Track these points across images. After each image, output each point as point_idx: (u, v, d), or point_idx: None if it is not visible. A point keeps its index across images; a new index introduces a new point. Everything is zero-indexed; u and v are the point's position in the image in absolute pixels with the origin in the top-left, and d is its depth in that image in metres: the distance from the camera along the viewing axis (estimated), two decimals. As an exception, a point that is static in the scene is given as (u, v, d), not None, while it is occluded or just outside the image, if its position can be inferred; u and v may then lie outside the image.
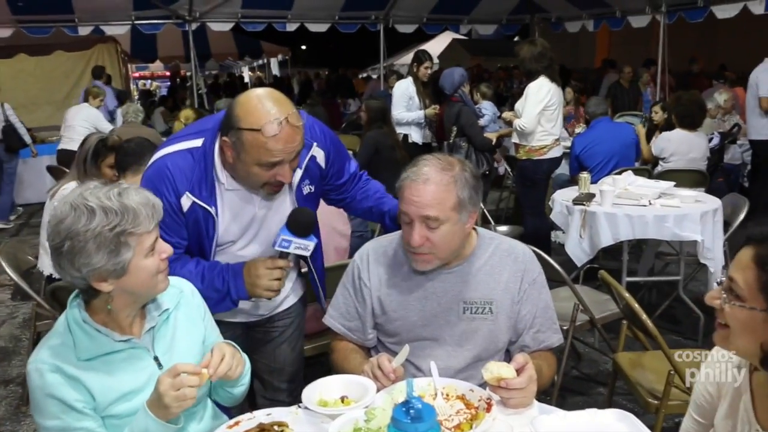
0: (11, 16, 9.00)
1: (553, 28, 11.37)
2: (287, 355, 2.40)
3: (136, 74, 21.30)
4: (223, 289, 2.01)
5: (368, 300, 2.03)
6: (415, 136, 6.47)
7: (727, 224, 4.13)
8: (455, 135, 5.74)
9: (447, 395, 1.73)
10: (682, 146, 5.40)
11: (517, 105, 5.24)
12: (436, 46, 17.97)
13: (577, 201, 4.17)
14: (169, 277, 1.66)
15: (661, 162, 5.54)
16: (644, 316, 2.50)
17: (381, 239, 2.15)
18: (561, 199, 4.37)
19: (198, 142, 1.96)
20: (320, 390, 1.74)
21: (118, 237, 1.47)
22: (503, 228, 5.35)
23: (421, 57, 6.51)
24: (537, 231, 5.25)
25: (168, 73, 20.22)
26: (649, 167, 5.69)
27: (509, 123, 5.50)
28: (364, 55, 19.11)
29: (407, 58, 15.93)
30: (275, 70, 23.04)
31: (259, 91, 1.89)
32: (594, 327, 3.38)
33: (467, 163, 1.96)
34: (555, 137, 5.19)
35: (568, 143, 6.04)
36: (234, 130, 1.84)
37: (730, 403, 1.47)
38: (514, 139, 5.37)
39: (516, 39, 14.61)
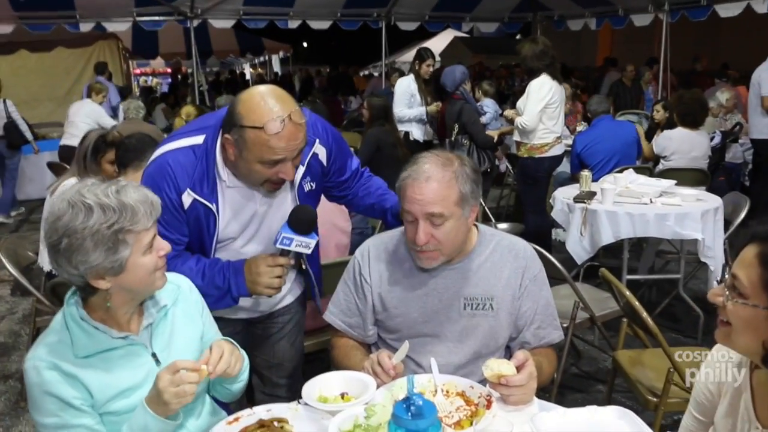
0: (12, 13, 9.00)
1: (555, 26, 11.37)
2: (286, 351, 2.40)
3: (138, 71, 21.29)
4: (223, 287, 2.01)
5: (369, 296, 2.03)
6: (417, 133, 6.47)
7: (727, 223, 4.13)
8: (457, 132, 5.74)
9: (447, 392, 1.73)
10: (683, 145, 5.39)
11: (519, 103, 5.23)
12: (437, 43, 17.98)
13: (578, 199, 4.17)
14: (167, 274, 1.66)
15: (662, 160, 5.54)
16: (645, 314, 2.50)
17: (382, 236, 2.15)
18: (562, 196, 4.37)
19: (199, 139, 1.96)
20: (320, 386, 1.74)
21: (116, 234, 1.46)
22: (504, 225, 5.35)
23: (423, 54, 6.51)
24: (538, 229, 5.25)
25: (169, 70, 20.22)
26: (650, 165, 5.69)
27: (511, 121, 5.49)
28: (366, 53, 19.09)
29: (409, 55, 15.93)
30: (277, 67, 23.02)
31: (262, 89, 1.88)
32: (594, 325, 3.38)
33: (465, 158, 1.96)
34: (556, 135, 5.18)
35: (570, 141, 6.04)
36: (236, 128, 1.84)
37: (731, 401, 1.47)
38: (516, 137, 5.37)
39: (518, 37, 14.61)
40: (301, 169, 2.06)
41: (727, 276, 1.33)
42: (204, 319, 1.83)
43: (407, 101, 6.41)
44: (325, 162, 2.16)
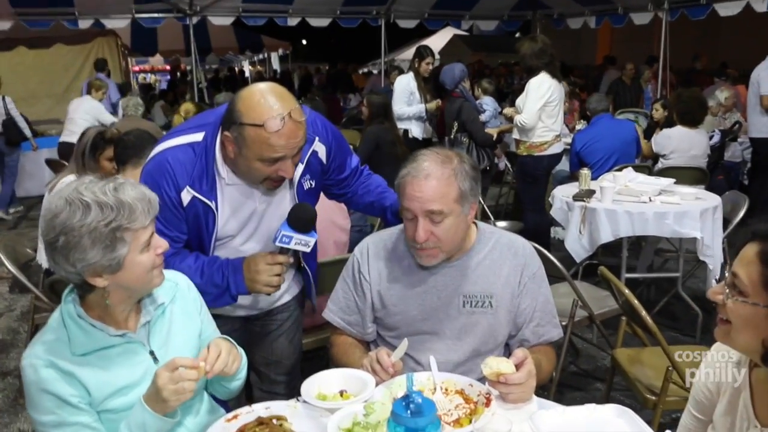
0: (11, 9, 8.98)
1: (554, 24, 11.37)
2: (285, 348, 2.39)
3: (136, 68, 21.22)
4: (222, 285, 2.00)
5: (368, 294, 2.03)
6: (416, 131, 6.46)
7: (726, 222, 4.13)
8: (456, 130, 5.73)
9: (446, 390, 1.73)
10: (682, 143, 5.39)
11: (518, 101, 5.23)
12: (437, 41, 17.95)
13: (577, 197, 4.17)
14: (165, 271, 1.65)
15: (661, 159, 5.54)
16: (644, 312, 2.50)
17: (381, 233, 2.15)
18: (561, 195, 4.37)
19: (199, 137, 1.95)
20: (319, 384, 1.74)
21: (113, 232, 1.45)
22: (503, 223, 5.36)
23: (423, 52, 6.50)
24: (537, 227, 5.25)
25: (168, 67, 20.18)
26: (649, 164, 5.69)
27: (510, 119, 5.49)
28: (365, 51, 19.08)
29: (408, 53, 15.91)
30: (276, 64, 22.99)
31: (262, 86, 1.87)
32: (593, 323, 3.38)
33: (465, 155, 1.96)
34: (555, 133, 5.18)
35: (569, 140, 6.03)
36: (236, 125, 1.83)
37: (730, 400, 1.47)
38: (515, 135, 5.37)
39: (517, 35, 14.60)
40: (301, 167, 2.06)
41: (727, 274, 1.33)
42: (202, 317, 1.82)
43: (407, 99, 6.41)
44: (324, 160, 2.16)
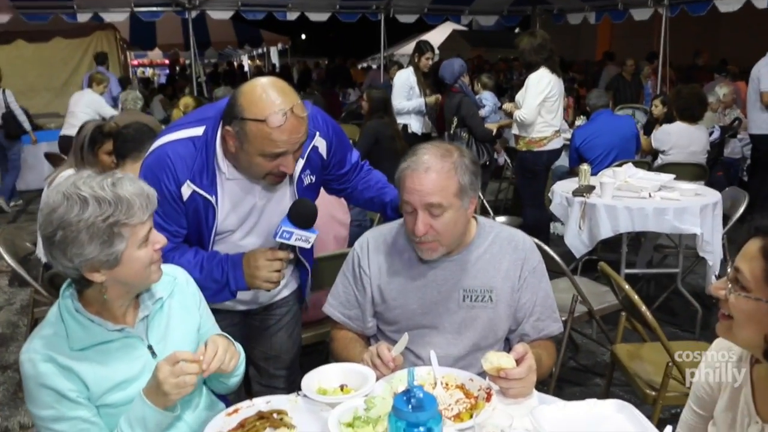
0: (9, 2, 8.95)
1: (554, 19, 11.36)
2: (284, 343, 2.39)
3: (135, 62, 21.17)
4: (221, 280, 2.00)
5: (368, 288, 2.03)
6: (415, 126, 6.46)
7: (726, 218, 4.13)
8: (456, 125, 5.73)
9: (446, 384, 1.73)
10: (682, 139, 5.38)
11: (518, 96, 5.22)
12: (436, 36, 17.93)
13: (577, 193, 4.17)
14: (163, 266, 1.65)
15: (660, 155, 5.53)
16: (644, 308, 2.50)
17: (381, 228, 2.14)
18: (561, 190, 4.37)
19: (199, 131, 1.94)
20: (319, 378, 1.74)
21: (111, 228, 1.45)
22: (502, 219, 5.35)
23: (423, 47, 6.49)
24: (536, 222, 5.25)
25: (167, 61, 20.14)
26: (649, 160, 5.69)
27: (510, 114, 5.48)
28: (365, 45, 19.06)
29: (407, 48, 15.89)
30: (275, 59, 22.95)
31: (263, 81, 1.86)
32: (592, 318, 3.38)
33: (465, 149, 1.96)
34: (555, 129, 5.18)
35: (568, 135, 6.03)
36: (237, 120, 1.82)
37: (730, 396, 1.47)
38: (514, 130, 5.36)
39: (517, 30, 14.58)
40: (301, 162, 2.05)
41: (729, 269, 1.33)
42: (201, 311, 1.82)
43: (406, 94, 6.40)
44: (325, 155, 2.15)
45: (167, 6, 9.73)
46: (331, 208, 3.08)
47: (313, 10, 10.32)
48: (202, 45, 14.48)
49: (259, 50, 20.95)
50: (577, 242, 4.14)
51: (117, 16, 9.98)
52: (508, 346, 2.02)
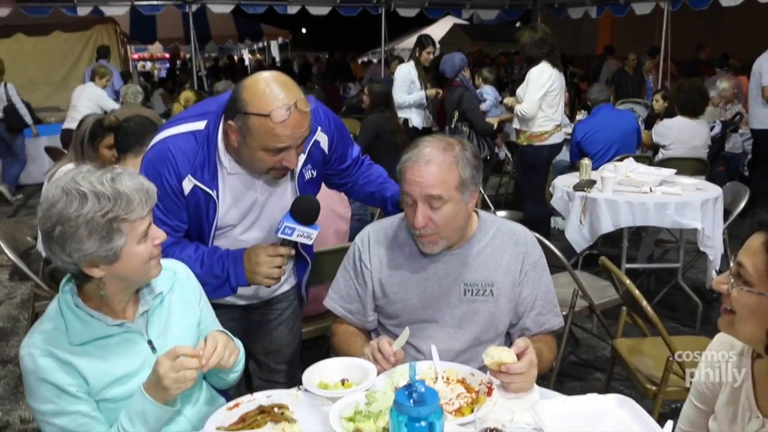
0: (9, -4, 8.94)
1: (555, 14, 11.34)
2: (284, 337, 2.39)
3: (135, 56, 21.12)
4: (222, 276, 1.99)
5: (369, 282, 2.03)
6: (416, 120, 6.45)
7: (727, 213, 4.13)
8: (457, 120, 5.72)
9: (447, 379, 1.73)
10: (682, 134, 5.37)
11: (519, 90, 5.22)
12: (437, 30, 17.87)
13: (577, 187, 4.16)
14: (163, 260, 1.64)
15: (661, 150, 5.52)
16: (644, 302, 2.50)
17: (382, 222, 2.14)
18: (562, 185, 4.36)
19: (201, 125, 1.93)
20: (320, 373, 1.74)
21: (110, 223, 1.45)
22: (503, 213, 5.36)
23: (424, 42, 6.48)
24: (537, 217, 5.25)
25: (167, 55, 20.09)
26: (650, 154, 5.68)
27: (510, 109, 5.47)
28: (365, 40, 19.00)
29: (408, 42, 15.87)
30: (275, 53, 22.90)
31: (266, 75, 1.85)
32: (593, 313, 3.39)
33: (467, 143, 1.95)
34: (556, 123, 5.17)
35: (569, 129, 6.02)
36: (240, 115, 1.81)
37: (732, 391, 1.47)
38: (515, 124, 5.36)
39: (518, 25, 14.54)
40: (302, 157, 2.04)
41: (731, 264, 1.33)
42: (201, 306, 1.82)
43: (407, 88, 6.39)
44: (326, 150, 2.14)
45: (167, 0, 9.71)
46: (331, 202, 3.08)
47: (314, 3, 10.32)
48: (203, 39, 14.45)
49: (260, 44, 20.93)
50: (578, 237, 4.14)
51: (117, 10, 9.97)
52: (509, 341, 2.02)
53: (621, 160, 4.72)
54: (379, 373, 1.71)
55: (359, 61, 19.99)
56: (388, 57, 11.29)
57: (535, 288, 1.99)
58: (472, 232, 1.99)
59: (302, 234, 1.93)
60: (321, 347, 3.29)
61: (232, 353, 1.60)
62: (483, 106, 6.78)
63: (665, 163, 5.08)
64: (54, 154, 6.15)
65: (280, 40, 19.66)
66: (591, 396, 1.62)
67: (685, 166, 5.01)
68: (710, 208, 3.93)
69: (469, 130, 5.70)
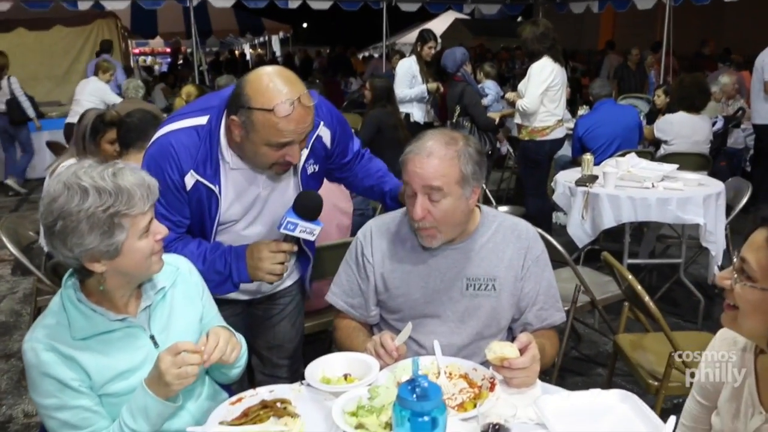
0: (10, -10, 8.93)
1: (557, 8, 11.32)
2: (287, 332, 2.39)
3: (136, 50, 21.09)
4: (224, 272, 1.99)
5: (371, 276, 2.03)
6: (417, 115, 6.45)
7: (729, 208, 4.12)
8: (458, 114, 5.72)
9: (450, 374, 1.73)
10: (684, 129, 5.36)
11: (520, 85, 5.21)
12: (438, 25, 17.86)
13: (580, 182, 4.16)
14: (165, 255, 1.64)
15: (663, 145, 5.51)
16: (647, 298, 2.50)
17: (384, 216, 2.14)
18: (564, 180, 4.36)
19: (203, 120, 1.93)
20: (323, 367, 1.74)
21: (111, 218, 1.45)
22: (505, 208, 5.34)
23: (426, 36, 6.47)
24: (538, 212, 5.24)
25: (168, 50, 20.06)
26: (652, 150, 5.67)
27: (512, 104, 5.47)
28: (367, 34, 18.95)
29: (409, 37, 15.83)
30: (276, 47, 22.86)
31: (270, 70, 1.84)
32: (595, 308, 3.38)
33: (471, 138, 1.95)
34: (558, 118, 5.16)
35: (571, 124, 6.01)
36: (244, 110, 1.80)
37: (734, 386, 1.47)
38: (517, 119, 5.35)
39: (519, 19, 14.51)
40: (305, 152, 2.04)
41: (734, 259, 1.33)
42: (204, 301, 1.82)
43: (409, 82, 6.39)
44: (328, 144, 2.14)
45: (168, -6, 9.71)
46: (333, 197, 3.08)
47: (315, -2, 10.30)
48: (204, 33, 14.41)
49: (261, 39, 20.89)
50: (580, 232, 4.14)
51: (118, 4, 9.94)
52: (511, 336, 2.02)
53: (623, 155, 4.72)
54: (381, 368, 1.71)
55: (360, 56, 19.95)
56: (389, 52, 11.25)
57: (537, 283, 1.99)
58: (475, 227, 1.99)
59: (305, 230, 1.92)
60: (323, 342, 3.29)
61: (233, 349, 1.60)
62: (485, 101, 6.78)
63: (667, 158, 5.07)
64: (55, 148, 6.15)
65: (281, 34, 19.62)
66: (594, 391, 1.62)
67: (687, 161, 5.00)
68: (712, 204, 3.92)
69: (471, 125, 5.69)
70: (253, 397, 1.65)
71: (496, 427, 1.40)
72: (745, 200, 4.07)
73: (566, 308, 3.05)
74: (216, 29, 16.01)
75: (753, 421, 1.40)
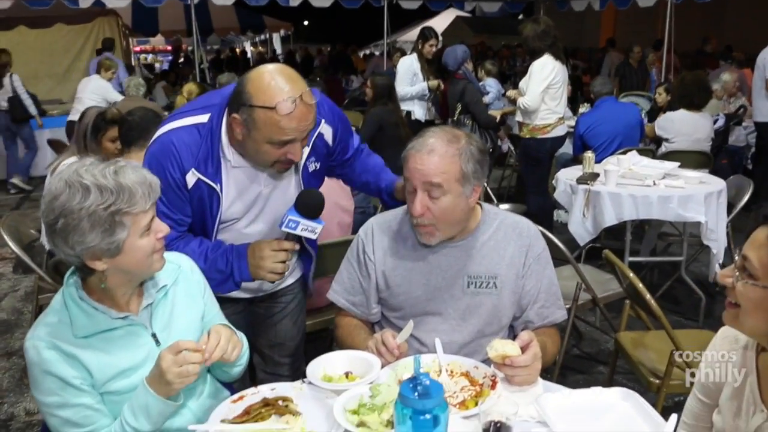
0: (11, -13, 8.92)
1: (558, 6, 11.30)
2: (288, 330, 2.39)
3: (137, 48, 21.08)
4: (226, 271, 1.99)
5: (373, 274, 2.03)
6: (418, 113, 6.45)
7: (730, 206, 4.12)
8: (459, 112, 5.71)
9: (452, 372, 1.73)
10: (685, 127, 5.35)
11: (521, 83, 5.20)
12: (439, 23, 17.84)
13: (581, 180, 4.16)
14: (167, 253, 1.65)
15: (665, 143, 5.51)
16: (648, 296, 2.49)
17: (385, 214, 2.14)
18: (565, 178, 4.36)
19: (204, 118, 1.93)
20: (325, 365, 1.74)
21: (112, 216, 1.45)
22: (506, 206, 5.34)
23: (427, 34, 6.47)
24: (539, 210, 5.24)
25: (169, 48, 20.05)
26: (653, 148, 5.66)
27: (513, 101, 5.46)
28: (368, 32, 18.95)
29: (410, 35, 15.82)
30: (277, 45, 22.84)
31: (271, 68, 1.84)
32: (596, 306, 3.38)
33: (473, 137, 1.95)
34: (559, 116, 5.16)
35: (572, 122, 6.00)
36: (245, 108, 1.80)
37: (735, 385, 1.47)
38: (518, 117, 5.35)
39: (520, 17, 14.51)
40: (307, 150, 2.03)
41: (736, 257, 1.33)
42: (205, 299, 1.82)
43: (410, 80, 6.39)
44: (330, 142, 2.14)
45: (169, -9, 9.69)
46: (335, 195, 3.08)
47: (316, -4, 10.28)
48: (205, 31, 14.38)
49: (262, 36, 20.88)
50: (581, 230, 4.14)
51: (119, 2, 9.91)
52: (512, 334, 2.02)
53: (624, 153, 4.71)
54: (382, 366, 1.71)
55: (361, 54, 19.94)
56: (390, 49, 11.24)
57: (539, 281, 1.99)
58: (476, 225, 1.99)
59: (306, 228, 1.92)
60: (324, 340, 3.29)
61: (235, 347, 1.60)
62: (486, 99, 6.77)
63: (668, 156, 5.07)
64: (56, 146, 6.15)
65: (282, 32, 19.61)
66: (595, 389, 1.62)
67: (688, 159, 5.00)
68: (714, 202, 3.92)
69: (472, 123, 5.69)
70: (254, 395, 1.65)
71: (498, 425, 1.40)
72: (746, 198, 4.07)
73: (567, 306, 3.06)
74: (217, 27, 15.99)
75: (754, 419, 1.40)
